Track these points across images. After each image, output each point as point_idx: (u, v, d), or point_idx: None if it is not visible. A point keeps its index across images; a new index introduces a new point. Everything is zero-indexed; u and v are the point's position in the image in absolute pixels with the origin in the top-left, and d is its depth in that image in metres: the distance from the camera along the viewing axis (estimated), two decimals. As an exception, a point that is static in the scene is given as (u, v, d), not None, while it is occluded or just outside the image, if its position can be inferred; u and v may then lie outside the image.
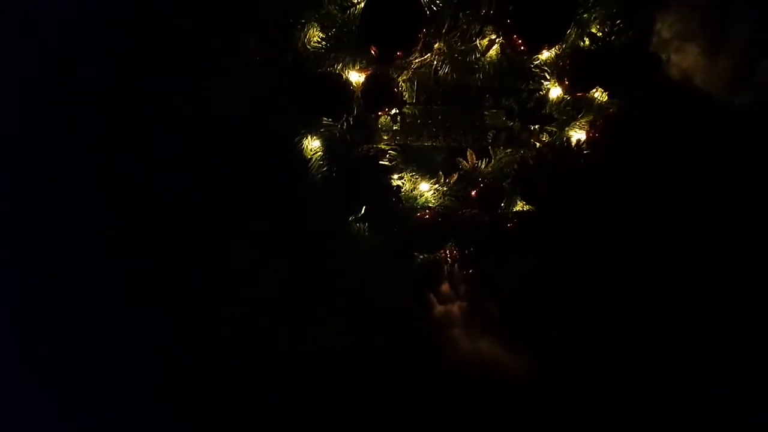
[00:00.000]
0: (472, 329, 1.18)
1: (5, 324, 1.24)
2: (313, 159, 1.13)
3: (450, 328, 1.22)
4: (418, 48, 0.96)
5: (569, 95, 1.07)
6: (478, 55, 1.02)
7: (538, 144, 1.12)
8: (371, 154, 1.03)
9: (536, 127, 1.12)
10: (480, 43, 1.02)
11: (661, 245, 1.11)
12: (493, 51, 1.04)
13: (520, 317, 1.16)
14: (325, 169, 1.12)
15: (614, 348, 1.08)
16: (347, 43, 0.98)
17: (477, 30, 0.99)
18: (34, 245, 1.26)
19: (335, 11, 0.97)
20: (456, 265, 1.21)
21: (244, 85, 1.08)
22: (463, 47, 0.99)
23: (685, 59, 1.01)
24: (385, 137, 1.15)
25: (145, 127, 1.22)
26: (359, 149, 1.07)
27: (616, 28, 0.99)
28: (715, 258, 1.07)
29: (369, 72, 1.01)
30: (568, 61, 1.01)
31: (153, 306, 1.31)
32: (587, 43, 1.02)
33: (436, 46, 0.99)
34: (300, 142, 1.14)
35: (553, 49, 1.02)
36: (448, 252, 1.24)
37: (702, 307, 1.03)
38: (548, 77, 1.07)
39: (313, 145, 1.15)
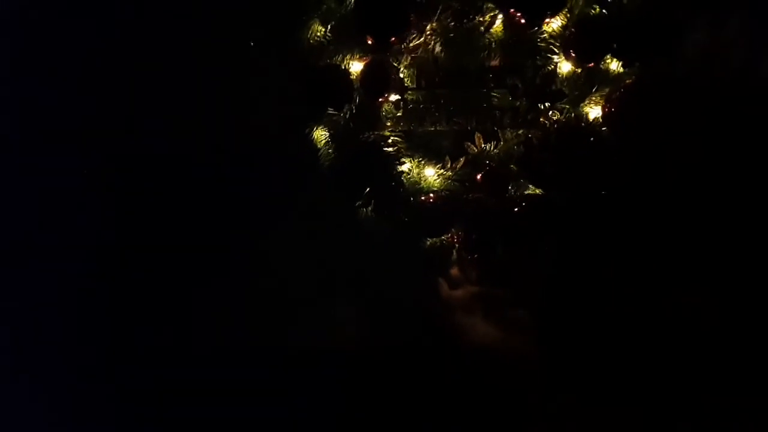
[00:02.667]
0: (481, 312, 1.16)
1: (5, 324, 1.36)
2: (322, 148, 1.20)
3: (459, 312, 1.21)
4: (411, 31, 0.97)
5: (578, 67, 1.00)
6: (483, 32, 1.00)
7: (547, 123, 1.07)
8: (370, 140, 1.06)
9: (546, 105, 1.06)
10: (483, 20, 1.00)
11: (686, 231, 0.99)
12: (498, 27, 1.02)
13: (528, 301, 1.11)
14: (331, 157, 1.18)
15: (622, 330, 0.99)
16: (345, 35, 1.03)
17: (477, 6, 0.98)
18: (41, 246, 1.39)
19: (333, 5, 1.02)
20: (462, 250, 1.19)
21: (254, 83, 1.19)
22: (458, 27, 0.98)
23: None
24: (389, 124, 1.18)
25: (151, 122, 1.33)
26: (361, 136, 1.11)
27: (628, -9, 0.91)
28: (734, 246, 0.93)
29: (367, 61, 1.04)
30: (573, 31, 0.95)
31: (162, 306, 1.40)
32: (597, 9, 0.95)
33: (429, 27, 1.00)
34: (310, 133, 1.22)
35: (559, 19, 0.96)
36: (456, 237, 1.22)
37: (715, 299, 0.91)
38: (556, 51, 1.02)
39: (322, 135, 1.22)
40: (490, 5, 0.98)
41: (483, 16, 1.00)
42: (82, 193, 1.48)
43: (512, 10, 0.92)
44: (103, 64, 1.35)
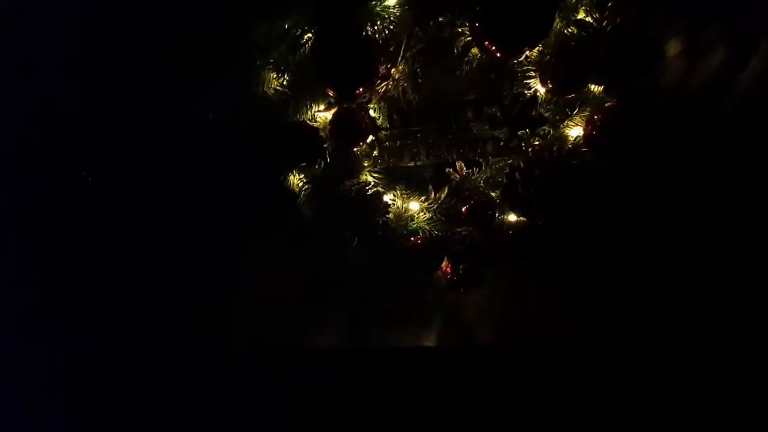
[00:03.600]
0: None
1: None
2: (301, 195, 1.15)
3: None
4: (379, 80, 0.89)
5: (558, 96, 0.95)
6: (455, 65, 0.92)
7: (530, 150, 1.03)
8: (353, 194, 1.01)
9: (526, 131, 1.02)
10: (456, 47, 0.91)
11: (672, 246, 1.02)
12: (472, 54, 0.93)
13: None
14: (310, 205, 1.13)
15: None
16: (304, 86, 0.93)
17: (446, 39, 0.89)
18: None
19: (285, 54, 0.91)
20: (449, 285, 1.21)
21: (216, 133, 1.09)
22: (428, 68, 0.90)
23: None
24: (367, 164, 1.12)
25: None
26: (341, 186, 1.06)
27: (607, 12, 0.83)
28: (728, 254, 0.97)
29: (335, 111, 0.96)
30: (551, 60, 0.88)
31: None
32: (575, 30, 0.87)
33: (394, 70, 0.91)
34: (285, 179, 1.16)
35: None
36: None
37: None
38: (533, 75, 0.95)
39: (297, 178, 1.16)
40: (461, 29, 0.89)
41: (455, 45, 0.91)
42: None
43: (487, 42, 0.84)
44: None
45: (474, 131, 1.07)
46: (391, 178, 1.15)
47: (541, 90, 0.98)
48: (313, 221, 1.15)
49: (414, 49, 0.85)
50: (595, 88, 0.95)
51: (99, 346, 1.46)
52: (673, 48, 0.91)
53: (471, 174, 1.12)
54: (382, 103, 0.98)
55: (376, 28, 0.83)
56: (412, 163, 1.11)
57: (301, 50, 0.89)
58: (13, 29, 1.25)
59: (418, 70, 0.88)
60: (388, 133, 1.06)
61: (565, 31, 0.88)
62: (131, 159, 1.36)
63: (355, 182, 1.05)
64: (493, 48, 0.83)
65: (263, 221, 1.38)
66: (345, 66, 0.83)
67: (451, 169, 1.12)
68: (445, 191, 1.14)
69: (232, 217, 1.43)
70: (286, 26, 0.86)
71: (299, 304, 1.52)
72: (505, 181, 1.04)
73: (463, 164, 1.12)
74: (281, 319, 1.51)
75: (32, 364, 1.43)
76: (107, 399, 1.43)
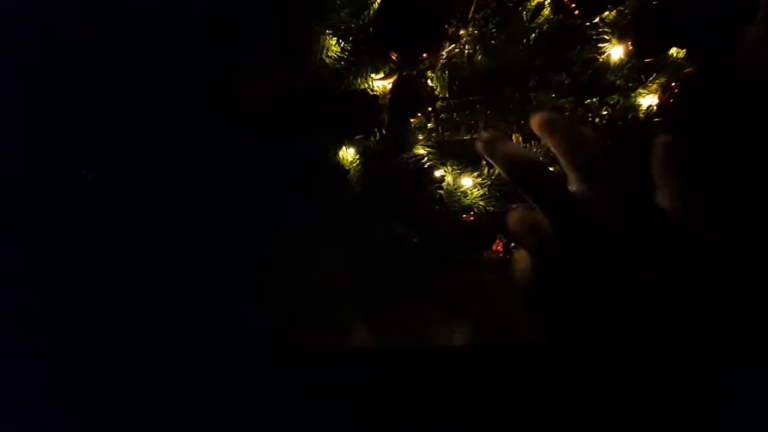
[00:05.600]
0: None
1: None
2: (352, 171, 1.12)
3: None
4: (446, 44, 0.84)
5: (636, 61, 0.89)
6: (525, 23, 0.87)
7: (597, 120, 0.98)
8: (410, 167, 0.98)
9: (595, 100, 0.97)
10: (527, 8, 0.86)
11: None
12: (541, 17, 0.88)
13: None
14: (363, 180, 1.10)
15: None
16: (366, 51, 0.89)
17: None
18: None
19: (346, 17, 0.87)
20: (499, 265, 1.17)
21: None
22: (500, 29, 0.85)
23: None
24: (421, 136, 1.08)
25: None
26: (396, 159, 1.02)
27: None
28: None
29: (394, 79, 0.92)
30: (632, 21, 0.82)
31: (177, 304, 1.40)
32: (658, -11, 0.81)
33: (463, 32, 0.86)
34: (335, 154, 1.13)
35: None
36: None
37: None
38: (608, 38, 0.89)
39: (349, 153, 1.13)
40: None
41: (526, 4, 0.85)
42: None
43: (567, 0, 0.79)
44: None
45: (534, 102, 1.02)
46: (443, 152, 1.11)
47: (614, 55, 0.92)
48: (364, 197, 1.13)
49: (488, 10, 0.80)
50: (674, 53, 0.89)
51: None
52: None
53: (528, 147, 1.07)
54: (445, 71, 0.94)
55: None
56: (468, 136, 1.07)
57: (366, 12, 0.84)
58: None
59: (490, 30, 0.83)
60: (445, 103, 1.02)
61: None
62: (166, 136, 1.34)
63: (411, 155, 1.01)
64: (573, 5, 0.77)
65: (306, 201, 1.36)
66: (413, 26, 0.79)
67: (506, 144, 1.08)
68: (500, 166, 1.09)
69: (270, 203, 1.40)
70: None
71: (333, 299, 1.49)
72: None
73: (520, 138, 1.07)
74: (313, 316, 1.48)
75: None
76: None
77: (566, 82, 0.94)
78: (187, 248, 1.43)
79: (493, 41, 0.85)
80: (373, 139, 1.01)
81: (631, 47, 0.84)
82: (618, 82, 0.94)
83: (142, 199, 1.39)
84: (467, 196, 1.11)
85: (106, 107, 1.26)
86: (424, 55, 0.84)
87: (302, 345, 1.45)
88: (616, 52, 0.92)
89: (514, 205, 1.10)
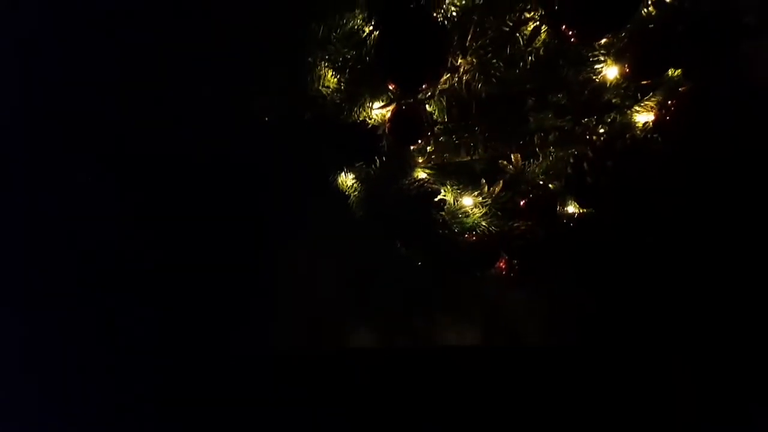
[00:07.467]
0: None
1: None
2: (351, 197, 1.11)
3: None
4: (445, 73, 0.84)
5: (633, 82, 0.89)
6: (522, 47, 0.86)
7: (594, 138, 0.98)
8: (413, 192, 0.97)
9: (593, 118, 0.97)
10: (523, 33, 0.86)
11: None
12: (538, 40, 0.88)
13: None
14: (364, 204, 1.09)
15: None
16: (363, 82, 0.88)
17: (516, 22, 0.83)
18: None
19: (342, 48, 0.86)
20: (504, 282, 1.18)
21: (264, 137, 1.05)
22: (497, 55, 0.85)
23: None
24: (420, 159, 1.08)
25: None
26: (400, 184, 1.02)
27: (691, -12, 0.77)
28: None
29: (393, 108, 0.91)
30: (628, 44, 0.82)
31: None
32: (652, 10, 0.82)
33: (461, 61, 0.86)
34: (334, 180, 1.12)
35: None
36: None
37: None
38: (603, 59, 0.90)
39: (348, 178, 1.12)
40: (530, 15, 0.84)
41: (522, 29, 0.85)
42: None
43: (565, 27, 0.78)
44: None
45: (531, 122, 1.02)
46: (443, 174, 1.11)
47: (610, 75, 0.93)
48: (364, 221, 1.12)
49: (486, 38, 0.80)
50: (670, 72, 0.90)
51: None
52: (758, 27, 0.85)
53: (528, 166, 1.08)
54: (443, 97, 0.93)
55: (444, 15, 0.77)
56: (468, 158, 1.07)
57: (365, 44, 0.83)
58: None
59: (489, 59, 0.82)
60: (444, 127, 1.02)
61: (643, 11, 0.82)
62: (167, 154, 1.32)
63: (413, 180, 1.01)
64: (570, 33, 0.77)
65: (305, 223, 1.35)
66: (413, 58, 0.78)
67: (505, 162, 1.08)
68: (500, 185, 1.10)
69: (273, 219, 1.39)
70: (346, 21, 0.81)
71: (341, 304, 1.50)
72: (570, 171, 1.00)
73: (519, 156, 1.07)
74: (322, 320, 1.49)
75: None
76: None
77: (563, 102, 0.95)
78: (196, 252, 1.42)
79: (492, 70, 0.84)
80: (373, 166, 1.00)
81: (627, 69, 0.85)
82: (614, 100, 0.95)
83: (156, 206, 1.37)
84: (468, 216, 1.11)
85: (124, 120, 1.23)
86: (424, 86, 0.83)
87: (307, 346, 1.47)
88: (611, 72, 0.92)
89: (515, 224, 1.11)
